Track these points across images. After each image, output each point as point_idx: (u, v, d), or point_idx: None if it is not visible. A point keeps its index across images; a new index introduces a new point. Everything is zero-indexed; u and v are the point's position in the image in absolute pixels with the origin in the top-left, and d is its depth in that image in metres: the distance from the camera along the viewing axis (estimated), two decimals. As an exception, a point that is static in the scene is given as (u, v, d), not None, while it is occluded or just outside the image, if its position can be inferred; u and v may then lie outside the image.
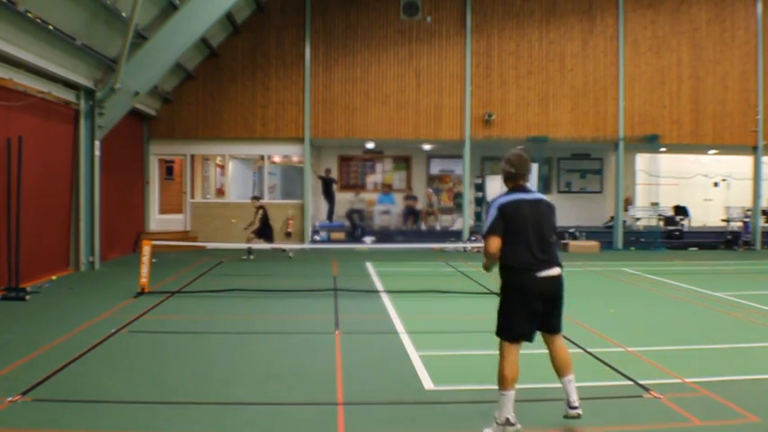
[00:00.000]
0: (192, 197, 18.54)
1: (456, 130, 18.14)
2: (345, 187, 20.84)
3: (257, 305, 9.14)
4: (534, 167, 17.69)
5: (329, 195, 19.65)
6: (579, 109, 18.31)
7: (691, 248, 18.85)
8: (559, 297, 4.52)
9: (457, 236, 18.44)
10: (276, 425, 4.53)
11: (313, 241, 18.13)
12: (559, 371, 4.47)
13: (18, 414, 4.61)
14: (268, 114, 17.93)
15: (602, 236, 18.66)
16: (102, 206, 13.22)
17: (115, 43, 12.37)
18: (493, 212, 4.41)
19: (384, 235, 18.80)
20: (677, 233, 19.51)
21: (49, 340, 6.77)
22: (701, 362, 6.33)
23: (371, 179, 21.45)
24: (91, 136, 12.81)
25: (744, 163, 20.28)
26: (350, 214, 19.40)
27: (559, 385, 5.40)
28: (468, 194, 18.73)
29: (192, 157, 18.47)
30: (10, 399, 4.85)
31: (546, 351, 6.82)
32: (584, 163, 21.70)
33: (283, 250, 15.78)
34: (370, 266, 13.74)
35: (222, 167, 20.30)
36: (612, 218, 19.40)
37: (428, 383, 5.43)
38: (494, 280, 11.58)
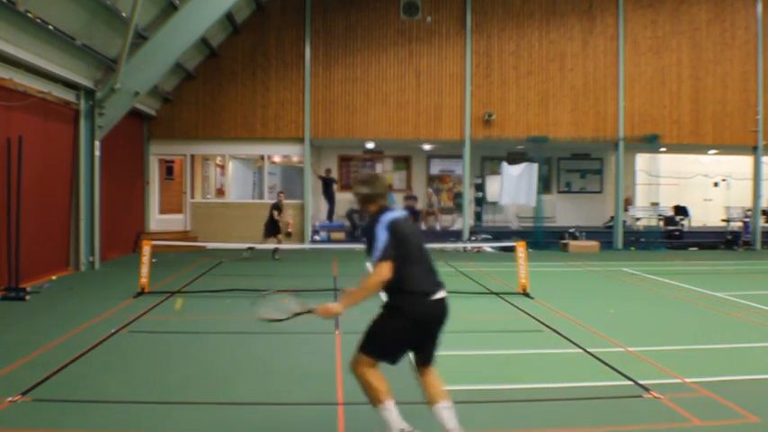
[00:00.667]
0: (192, 197, 18.54)
1: (456, 130, 18.14)
2: (345, 187, 20.83)
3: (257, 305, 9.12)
4: (534, 167, 17.73)
5: (329, 195, 19.64)
6: (579, 109, 18.31)
7: (691, 248, 18.85)
8: (444, 323, 4.12)
9: (457, 236, 18.43)
10: (276, 425, 4.53)
11: (313, 241, 18.13)
12: (434, 399, 4.06)
13: (18, 414, 4.61)
14: (268, 114, 17.93)
15: (602, 236, 18.66)
16: (102, 206, 13.22)
17: (115, 43, 12.37)
18: (383, 234, 3.95)
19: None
20: (677, 233, 19.51)
21: (49, 340, 6.77)
22: (701, 362, 6.33)
23: (371, 179, 21.41)
24: (91, 136, 12.81)
25: (744, 163, 20.28)
26: (350, 214, 19.39)
27: (559, 385, 5.42)
28: (468, 194, 18.73)
29: (192, 157, 18.47)
30: (10, 399, 4.85)
31: (549, 351, 6.82)
32: (584, 163, 21.70)
33: (274, 250, 15.32)
34: (370, 267, 13.73)
35: (222, 167, 20.29)
36: (612, 218, 19.40)
37: (428, 383, 5.41)
38: (495, 280, 11.57)
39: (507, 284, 10.83)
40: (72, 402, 4.91)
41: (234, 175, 19.65)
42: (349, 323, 7.85)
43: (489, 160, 21.03)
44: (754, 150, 19.02)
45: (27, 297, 9.28)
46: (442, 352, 6.47)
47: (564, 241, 18.04)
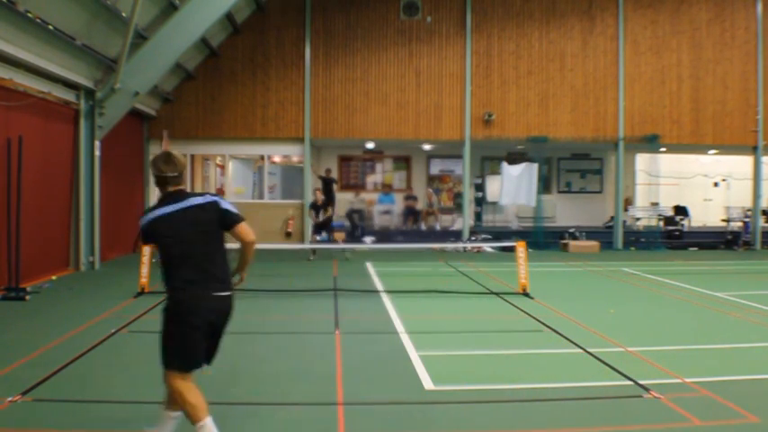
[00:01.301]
0: (192, 197, 18.51)
1: (456, 130, 18.14)
2: (345, 187, 20.85)
3: (257, 305, 9.13)
4: (534, 167, 17.73)
5: (329, 195, 19.63)
6: (579, 109, 18.31)
7: (691, 248, 18.85)
8: (226, 323, 4.02)
9: (457, 236, 18.44)
10: (276, 425, 4.53)
11: (313, 241, 18.10)
12: (173, 404, 3.91)
13: (18, 414, 4.61)
14: (268, 114, 17.93)
15: (602, 236, 18.66)
16: (102, 206, 13.21)
17: (115, 43, 12.37)
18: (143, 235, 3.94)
19: (384, 235, 18.80)
20: (677, 233, 19.52)
21: (49, 340, 6.77)
22: (701, 362, 6.33)
23: (371, 179, 21.46)
24: (91, 136, 12.81)
25: (744, 163, 20.27)
26: (350, 214, 19.40)
27: (559, 385, 5.42)
28: (468, 194, 18.73)
29: (192, 157, 18.47)
30: (10, 399, 4.84)
31: (549, 351, 6.82)
32: (584, 163, 21.71)
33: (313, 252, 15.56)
34: (370, 266, 13.74)
35: (222, 167, 20.30)
36: (612, 218, 19.40)
37: (428, 383, 5.42)
38: (495, 280, 11.57)
39: (507, 284, 10.83)
40: (72, 402, 4.91)
41: (234, 175, 19.66)
42: (349, 323, 7.86)
43: (489, 160, 21.04)
44: (754, 150, 19.02)
45: (27, 297, 9.28)
46: (442, 352, 6.53)
47: (564, 241, 18.05)
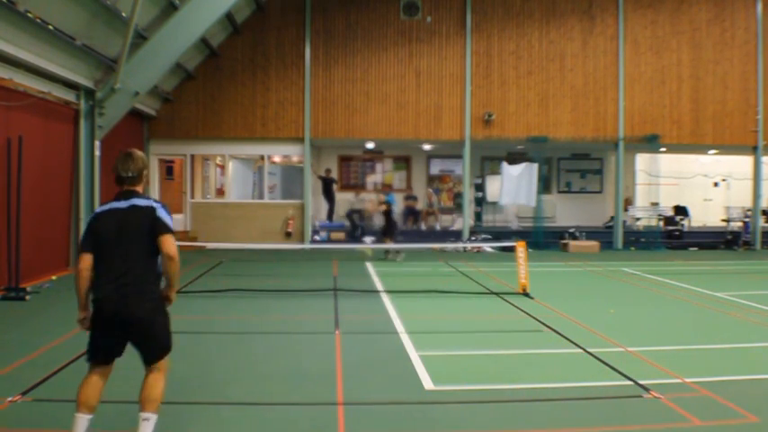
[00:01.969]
0: (192, 197, 18.55)
1: (456, 130, 18.14)
2: (345, 187, 20.85)
3: (257, 305, 9.13)
4: (534, 167, 17.72)
5: (329, 195, 19.66)
6: (579, 109, 18.31)
7: (691, 248, 18.85)
8: (137, 323, 3.86)
9: (457, 236, 18.44)
10: (276, 425, 4.53)
11: (313, 241, 18.13)
12: (141, 404, 3.99)
13: (18, 414, 4.61)
14: (268, 114, 17.93)
15: (602, 236, 18.66)
16: (102, 206, 13.19)
17: (115, 43, 12.37)
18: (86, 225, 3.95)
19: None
20: (677, 233, 19.52)
21: (49, 340, 6.76)
22: (701, 362, 6.33)
23: (371, 179, 21.46)
24: (91, 136, 12.81)
25: (744, 163, 20.28)
26: (350, 214, 19.40)
27: (559, 385, 5.42)
28: (468, 194, 18.73)
29: (192, 157, 18.48)
30: (10, 399, 4.84)
31: (549, 351, 6.83)
32: (584, 163, 21.71)
33: (396, 252, 15.43)
34: (370, 266, 13.74)
35: (222, 167, 20.30)
36: (612, 218, 19.40)
37: (428, 383, 5.42)
38: (495, 280, 11.57)
39: (507, 284, 10.83)
40: (72, 402, 4.89)
41: (234, 175, 19.66)
42: (349, 323, 7.86)
43: (489, 160, 21.04)
44: (754, 150, 19.02)
45: (27, 297, 9.28)
46: (442, 352, 6.53)
47: (564, 241, 18.05)
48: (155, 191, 18.11)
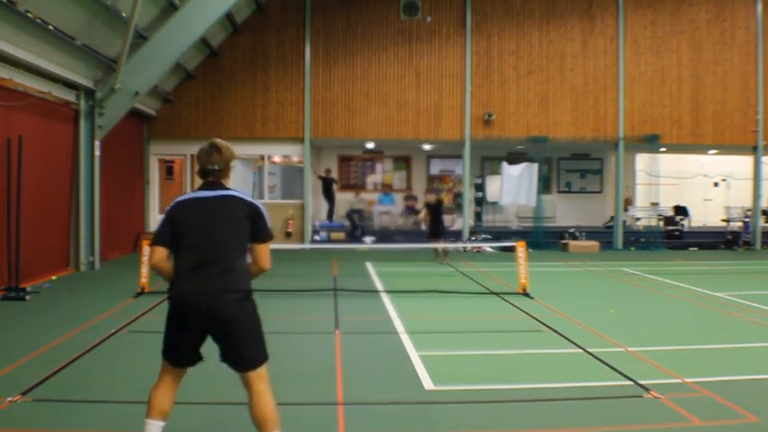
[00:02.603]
0: (192, 197, 18.50)
1: (456, 130, 18.14)
2: (345, 187, 20.85)
3: (257, 305, 9.12)
4: (534, 167, 17.72)
5: (329, 195, 19.65)
6: (579, 109, 18.31)
7: (691, 248, 18.84)
8: (229, 323, 3.48)
9: (457, 236, 18.43)
10: (276, 425, 4.52)
11: (313, 241, 18.13)
12: (257, 426, 3.53)
13: (18, 414, 4.61)
14: (268, 114, 17.93)
15: (602, 236, 18.66)
16: (102, 206, 13.21)
17: (115, 43, 12.36)
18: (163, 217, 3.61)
19: (384, 235, 18.80)
20: (677, 233, 19.51)
21: (49, 340, 6.76)
22: (701, 362, 6.33)
23: (371, 179, 21.46)
24: (91, 136, 12.81)
25: (744, 163, 20.27)
26: (350, 214, 19.40)
27: (559, 385, 5.42)
28: (468, 194, 18.73)
29: (192, 157, 18.44)
30: (10, 399, 4.84)
31: (549, 351, 6.82)
32: (584, 163, 21.71)
33: (445, 253, 14.83)
34: (370, 266, 13.74)
35: (222, 167, 20.25)
36: (612, 218, 19.39)
37: (428, 383, 5.42)
38: (495, 280, 11.57)
39: (507, 284, 10.83)
40: (72, 402, 4.91)
41: (234, 175, 19.62)
42: (349, 323, 7.86)
43: (489, 160, 21.04)
44: (754, 150, 19.01)
45: (27, 297, 9.27)
46: (442, 352, 6.53)
47: (564, 241, 18.05)
48: (155, 191, 18.11)
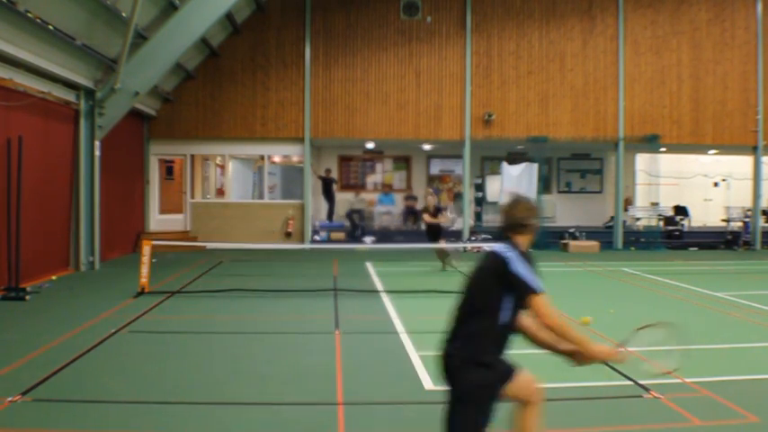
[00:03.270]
0: (192, 197, 18.54)
1: (456, 130, 18.14)
2: (345, 187, 20.85)
3: (257, 305, 9.14)
4: (534, 167, 17.73)
5: (329, 195, 19.65)
6: (579, 109, 18.31)
7: (691, 248, 18.84)
8: (453, 385, 3.29)
9: (457, 236, 18.43)
10: (276, 425, 4.53)
11: (313, 241, 18.13)
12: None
13: (18, 414, 4.61)
14: (268, 114, 17.92)
15: (602, 236, 18.65)
16: (102, 206, 13.21)
17: (115, 43, 12.37)
18: (528, 267, 3.35)
19: (384, 235, 18.80)
20: (677, 233, 19.51)
21: (49, 340, 6.77)
22: (701, 362, 6.32)
23: (371, 179, 21.46)
24: (91, 136, 12.81)
25: (744, 163, 20.27)
26: (350, 214, 19.40)
27: (559, 385, 5.42)
28: (468, 194, 18.73)
29: (192, 157, 18.47)
30: (10, 399, 4.84)
31: (544, 351, 6.80)
32: (584, 163, 21.70)
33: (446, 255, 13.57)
34: (370, 266, 13.73)
35: (222, 167, 20.30)
36: (612, 218, 19.39)
37: (428, 383, 5.42)
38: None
39: (507, 284, 10.80)
40: (72, 402, 4.91)
41: (234, 175, 19.66)
42: (349, 323, 7.86)
43: (489, 160, 21.03)
44: (754, 150, 19.01)
45: (27, 297, 9.28)
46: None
47: (564, 241, 18.04)
48: (155, 191, 18.12)
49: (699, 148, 19.72)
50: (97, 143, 12.89)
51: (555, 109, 18.24)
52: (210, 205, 18.82)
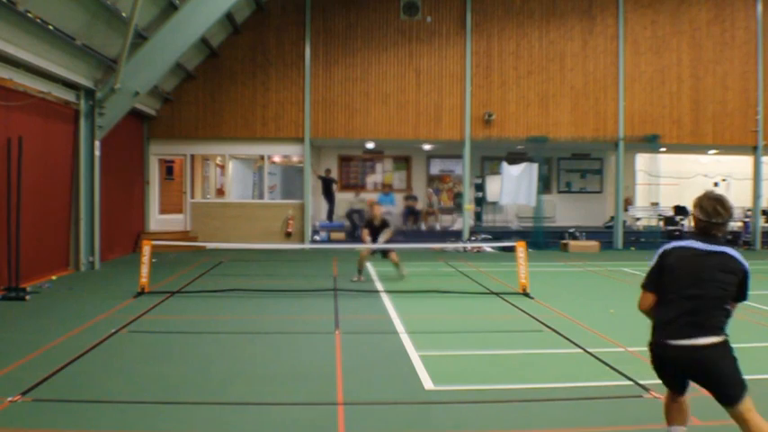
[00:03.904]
0: (192, 197, 18.54)
1: (456, 130, 18.14)
2: (345, 187, 20.85)
3: (257, 305, 9.13)
4: (534, 167, 17.73)
5: (329, 195, 19.66)
6: (579, 109, 18.31)
7: (691, 248, 18.80)
8: (707, 370, 3.78)
9: (457, 236, 18.43)
10: (276, 425, 4.53)
11: (313, 241, 18.13)
12: (674, 420, 3.98)
13: (18, 414, 4.61)
14: (268, 114, 17.93)
15: (602, 236, 18.66)
16: (102, 206, 13.22)
17: (115, 43, 12.37)
18: (653, 260, 3.85)
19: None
20: (677, 233, 19.48)
21: (49, 340, 6.77)
22: (701, 362, 6.31)
23: (371, 179, 21.46)
24: (91, 136, 12.81)
25: (744, 163, 20.28)
26: (350, 214, 19.40)
27: (559, 385, 5.42)
28: (468, 194, 18.73)
29: (192, 157, 18.47)
30: (10, 399, 4.84)
31: (549, 351, 6.81)
32: (584, 163, 21.71)
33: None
34: (370, 266, 13.73)
35: (222, 167, 20.30)
36: (612, 218, 19.40)
37: (428, 383, 5.43)
38: (495, 280, 11.56)
39: (507, 284, 10.83)
40: (72, 402, 4.91)
41: (234, 175, 19.66)
42: (349, 323, 7.87)
43: (489, 160, 21.03)
44: (754, 150, 19.02)
45: (27, 297, 9.28)
46: (442, 352, 6.53)
47: (564, 241, 18.04)
48: (155, 191, 18.12)
49: (699, 148, 19.73)
50: (97, 143, 12.90)
51: (555, 109, 18.25)
52: (210, 205, 18.82)
